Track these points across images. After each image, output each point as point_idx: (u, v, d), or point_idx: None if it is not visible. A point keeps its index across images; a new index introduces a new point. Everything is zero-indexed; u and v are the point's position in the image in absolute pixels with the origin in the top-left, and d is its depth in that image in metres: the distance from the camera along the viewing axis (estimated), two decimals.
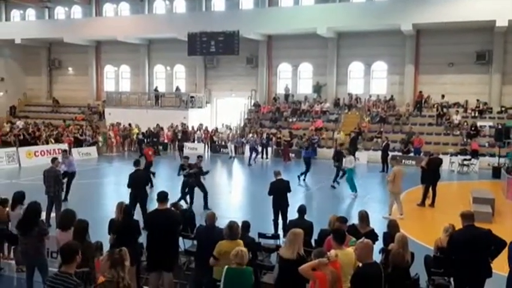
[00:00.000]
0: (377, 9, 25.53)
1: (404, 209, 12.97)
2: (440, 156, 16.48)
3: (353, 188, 15.82)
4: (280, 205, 10.71)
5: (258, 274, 7.48)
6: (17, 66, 37.03)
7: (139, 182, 11.86)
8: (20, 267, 8.32)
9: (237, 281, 5.80)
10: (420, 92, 26.78)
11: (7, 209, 8.68)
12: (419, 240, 10.24)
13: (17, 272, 8.46)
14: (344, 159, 16.56)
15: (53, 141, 25.12)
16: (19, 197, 8.60)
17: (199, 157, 14.20)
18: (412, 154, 23.35)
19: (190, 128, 28.90)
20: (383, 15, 25.28)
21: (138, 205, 11.29)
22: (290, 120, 28.68)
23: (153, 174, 16.17)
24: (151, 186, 14.93)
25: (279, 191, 10.82)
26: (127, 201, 9.38)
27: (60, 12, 36.45)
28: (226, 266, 5.90)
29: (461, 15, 23.56)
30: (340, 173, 17.09)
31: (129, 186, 11.82)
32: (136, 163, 12.72)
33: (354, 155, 18.21)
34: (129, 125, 28.69)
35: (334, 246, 6.05)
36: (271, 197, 10.92)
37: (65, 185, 13.11)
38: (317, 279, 5.38)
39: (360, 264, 5.60)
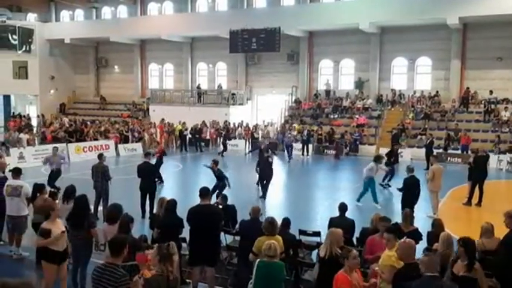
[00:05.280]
0: (422, 3, 24.81)
1: (450, 207, 12.66)
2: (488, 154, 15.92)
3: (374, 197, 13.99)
4: (407, 201, 10.99)
5: (298, 271, 7.53)
6: (66, 65, 38.43)
7: (147, 174, 12.40)
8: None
9: (269, 274, 5.86)
10: (467, 88, 25.93)
11: (57, 201, 8.90)
12: None
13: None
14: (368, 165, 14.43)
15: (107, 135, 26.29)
16: (71, 191, 8.82)
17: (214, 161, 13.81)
18: (456, 151, 22.72)
19: (231, 125, 29.19)
20: (428, 9, 24.58)
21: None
22: (331, 116, 28.44)
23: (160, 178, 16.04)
24: (161, 182, 15.88)
25: (410, 187, 11.20)
26: (164, 194, 9.64)
27: (106, 12, 37.56)
28: (258, 260, 5.98)
29: (510, 8, 22.60)
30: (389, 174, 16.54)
31: (138, 176, 12.45)
32: (147, 155, 13.35)
33: (391, 156, 17.67)
34: (169, 122, 29.22)
35: (390, 242, 6.01)
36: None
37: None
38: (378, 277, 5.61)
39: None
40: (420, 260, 4.98)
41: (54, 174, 14.92)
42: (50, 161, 15.21)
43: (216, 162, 13.64)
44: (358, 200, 13.80)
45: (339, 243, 6.08)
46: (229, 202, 9.65)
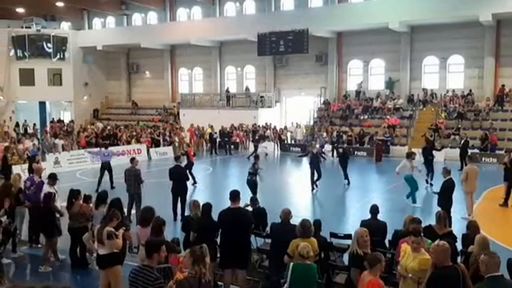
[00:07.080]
0: (453, 0, 24.32)
1: (486, 209, 12.36)
2: None
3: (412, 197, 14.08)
4: (444, 204, 10.88)
5: (330, 274, 7.49)
6: (99, 72, 39.34)
7: (178, 177, 12.65)
8: None
9: (304, 276, 5.90)
10: (502, 86, 25.23)
11: (90, 205, 9.12)
12: (501, 242, 9.72)
13: None
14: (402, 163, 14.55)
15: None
16: (103, 196, 8.98)
17: (256, 157, 14.40)
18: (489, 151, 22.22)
19: (260, 128, 29.23)
20: (459, 6, 24.01)
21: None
22: (361, 117, 28.14)
23: (193, 179, 16.59)
24: (194, 182, 16.48)
25: (448, 190, 11.07)
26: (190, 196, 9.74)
27: (137, 18, 38.23)
28: (292, 263, 6.01)
29: None
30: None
31: (170, 179, 12.72)
32: (177, 159, 13.76)
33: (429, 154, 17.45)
34: (198, 126, 29.48)
35: (419, 245, 6.01)
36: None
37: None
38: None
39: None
40: (481, 260, 4.94)
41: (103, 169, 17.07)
42: (100, 155, 17.50)
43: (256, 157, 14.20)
44: (414, 202, 13.80)
45: (361, 242, 6.20)
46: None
